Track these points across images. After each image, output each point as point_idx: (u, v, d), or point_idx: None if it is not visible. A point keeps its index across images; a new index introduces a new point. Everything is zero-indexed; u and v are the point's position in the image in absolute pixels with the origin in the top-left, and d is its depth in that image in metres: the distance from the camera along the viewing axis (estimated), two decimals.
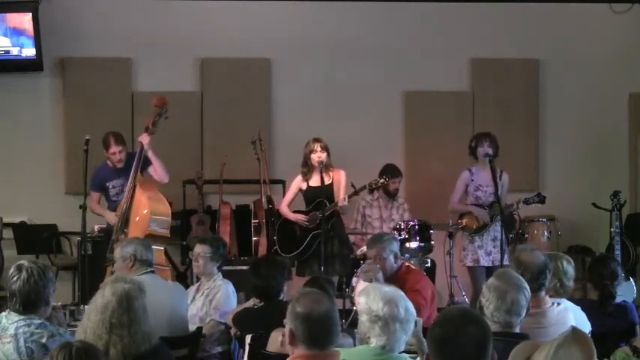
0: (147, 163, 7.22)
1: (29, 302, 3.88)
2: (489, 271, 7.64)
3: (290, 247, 7.47)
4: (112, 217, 7.23)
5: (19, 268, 3.92)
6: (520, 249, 4.57)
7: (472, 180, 7.90)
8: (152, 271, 5.42)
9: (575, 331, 2.33)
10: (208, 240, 5.96)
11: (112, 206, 7.40)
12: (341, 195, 7.35)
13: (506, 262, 7.11)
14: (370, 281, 5.21)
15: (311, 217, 7.40)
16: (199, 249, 5.86)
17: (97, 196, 7.46)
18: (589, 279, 5.28)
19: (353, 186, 7.39)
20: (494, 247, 7.71)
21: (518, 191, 8.36)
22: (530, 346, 2.55)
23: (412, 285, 5.69)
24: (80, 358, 2.89)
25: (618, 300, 5.20)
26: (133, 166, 7.04)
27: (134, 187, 6.99)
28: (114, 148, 7.37)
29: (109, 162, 7.48)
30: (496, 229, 7.74)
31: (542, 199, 7.69)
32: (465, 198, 7.99)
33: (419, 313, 5.36)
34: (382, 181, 7.38)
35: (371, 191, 8.59)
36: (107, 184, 7.42)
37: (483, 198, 7.84)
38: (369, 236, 7.14)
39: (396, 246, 5.98)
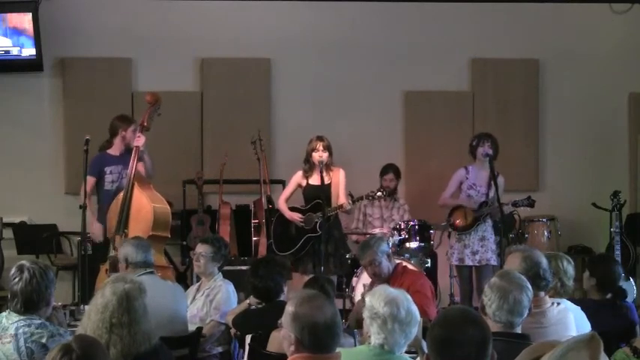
0: (140, 159, 7.20)
1: (31, 303, 3.88)
2: (478, 270, 7.69)
3: (284, 246, 7.46)
4: (96, 231, 7.16)
5: (21, 269, 3.92)
6: (514, 249, 4.57)
7: (467, 178, 7.93)
8: (151, 272, 5.41)
9: (593, 337, 2.30)
10: (210, 240, 5.95)
11: (105, 198, 7.36)
12: (341, 196, 7.33)
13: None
14: None
15: (307, 219, 7.38)
16: (201, 249, 5.85)
17: (92, 182, 7.26)
18: (599, 280, 5.23)
19: (351, 195, 7.38)
20: (481, 246, 7.74)
21: (518, 191, 8.35)
22: (544, 345, 2.53)
23: (411, 286, 5.66)
24: None
25: None
26: (130, 166, 7.02)
27: (132, 185, 6.98)
28: (134, 125, 7.35)
29: (110, 150, 7.46)
30: (484, 229, 7.76)
31: (531, 203, 7.70)
32: (458, 195, 8.01)
33: (425, 313, 5.38)
34: (379, 194, 7.34)
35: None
36: (105, 169, 7.37)
37: (475, 197, 7.87)
38: (369, 236, 7.13)
39: (385, 246, 5.92)
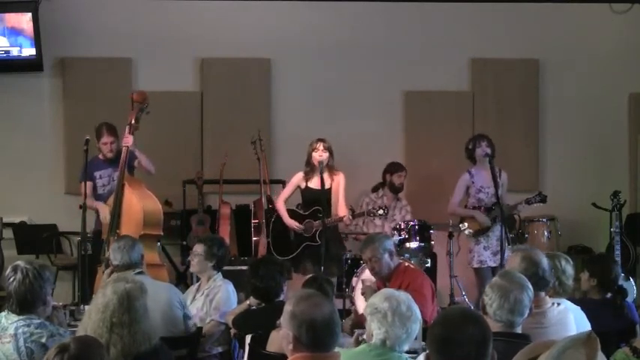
0: (132, 158, 7.27)
1: (26, 303, 3.88)
2: (494, 271, 7.66)
3: (283, 249, 7.50)
4: (105, 211, 7.18)
5: (15, 269, 3.93)
6: (518, 249, 4.57)
7: (473, 182, 7.89)
8: (141, 272, 5.39)
9: (590, 336, 2.31)
10: (204, 239, 5.99)
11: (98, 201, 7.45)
12: (340, 202, 7.38)
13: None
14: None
15: (307, 226, 7.43)
16: (195, 248, 5.91)
17: (90, 186, 7.38)
18: (599, 280, 5.23)
19: (352, 209, 7.41)
20: (500, 247, 7.71)
21: (519, 192, 8.36)
22: (541, 345, 2.53)
23: (410, 284, 5.67)
24: None
25: None
26: (119, 167, 7.06)
27: (122, 186, 7.00)
28: (106, 139, 7.52)
29: (100, 155, 7.59)
30: (500, 229, 7.75)
31: (543, 198, 7.71)
32: (466, 200, 7.98)
33: (421, 313, 5.38)
34: (381, 212, 7.39)
35: (375, 190, 8.78)
36: (95, 173, 7.47)
37: (486, 199, 7.82)
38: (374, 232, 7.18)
39: (389, 244, 5.93)
